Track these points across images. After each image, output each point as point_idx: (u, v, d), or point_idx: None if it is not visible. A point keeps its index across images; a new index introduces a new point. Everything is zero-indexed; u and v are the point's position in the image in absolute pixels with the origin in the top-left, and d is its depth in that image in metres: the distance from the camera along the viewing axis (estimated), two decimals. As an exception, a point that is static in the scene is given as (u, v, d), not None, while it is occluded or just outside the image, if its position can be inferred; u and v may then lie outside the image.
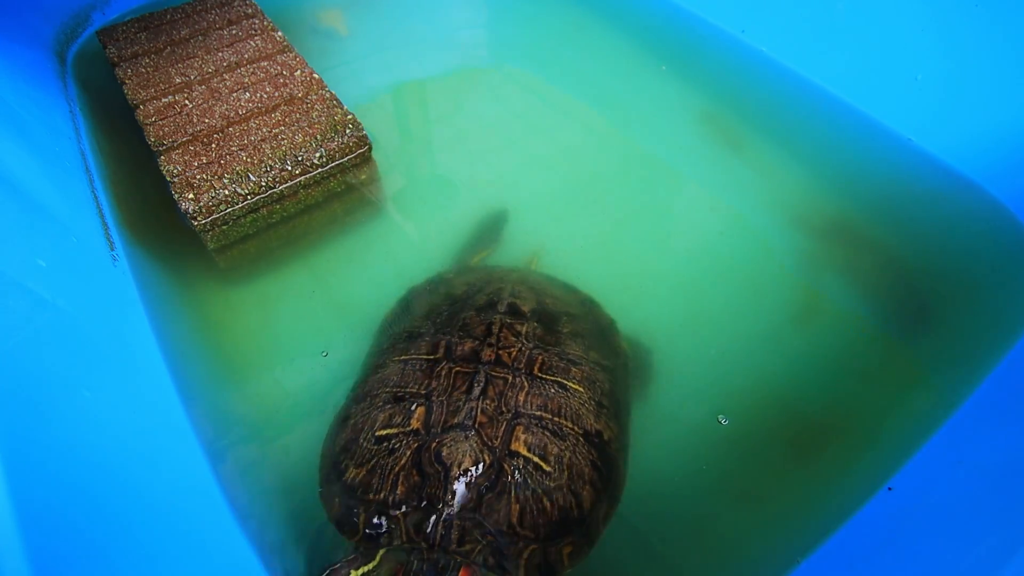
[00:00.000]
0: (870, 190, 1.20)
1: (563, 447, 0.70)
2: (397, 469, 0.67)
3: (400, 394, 0.74)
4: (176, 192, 1.11)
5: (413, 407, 0.72)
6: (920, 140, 1.25)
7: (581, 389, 0.77)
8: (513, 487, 0.66)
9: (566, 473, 0.69)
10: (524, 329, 0.82)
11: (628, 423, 0.82)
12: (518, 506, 0.65)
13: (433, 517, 0.64)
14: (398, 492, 0.66)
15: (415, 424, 0.70)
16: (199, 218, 1.11)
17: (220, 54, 1.40)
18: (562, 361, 0.80)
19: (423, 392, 0.74)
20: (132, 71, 1.36)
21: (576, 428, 0.73)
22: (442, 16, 1.73)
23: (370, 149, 1.26)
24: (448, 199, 1.24)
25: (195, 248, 1.12)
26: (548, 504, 0.66)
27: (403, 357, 0.80)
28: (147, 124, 1.23)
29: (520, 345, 0.79)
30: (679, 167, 1.28)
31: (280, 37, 1.46)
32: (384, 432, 0.71)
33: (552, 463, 0.69)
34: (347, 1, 1.77)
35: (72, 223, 0.99)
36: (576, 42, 1.62)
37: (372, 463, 0.69)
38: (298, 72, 1.36)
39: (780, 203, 1.18)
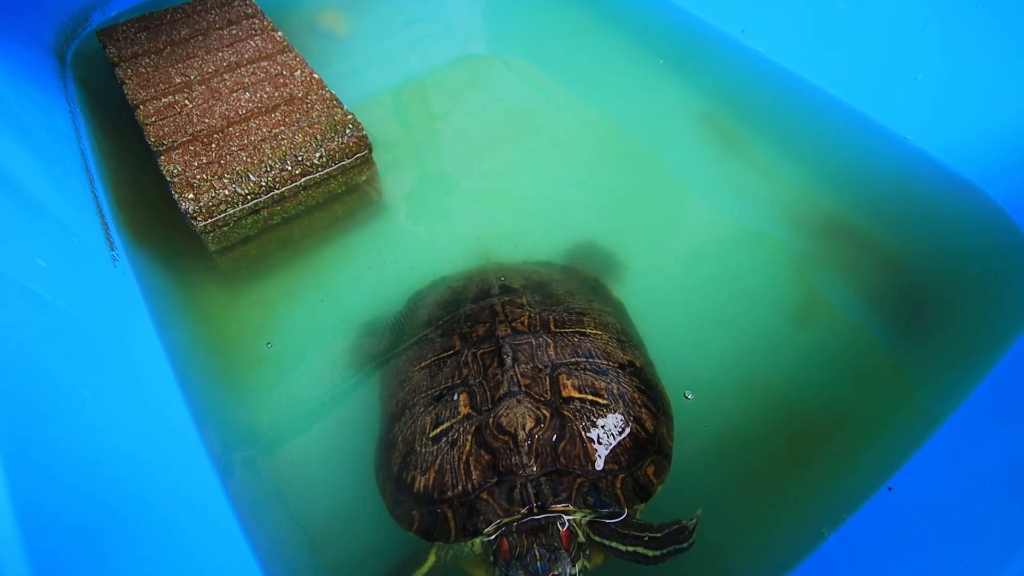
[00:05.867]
0: (868, 191, 1.20)
1: (608, 380, 0.73)
2: (464, 457, 0.67)
3: (437, 393, 0.75)
4: (176, 192, 1.11)
5: (455, 396, 0.72)
6: (918, 140, 1.25)
7: (599, 332, 0.80)
8: (580, 429, 0.68)
9: (621, 401, 0.72)
10: (524, 300, 0.85)
11: (648, 355, 0.85)
12: (593, 443, 0.67)
13: (519, 483, 0.64)
14: (474, 477, 0.66)
15: (464, 410, 0.70)
16: (199, 218, 1.11)
17: (220, 54, 1.40)
18: (571, 315, 0.83)
19: (459, 382, 0.74)
20: (132, 71, 1.36)
21: (611, 363, 0.76)
22: (442, 15, 1.73)
23: (370, 149, 1.26)
24: (449, 198, 1.24)
25: (196, 249, 1.12)
26: (617, 433, 0.69)
27: (424, 363, 0.80)
28: (147, 124, 1.23)
29: (528, 312, 0.81)
30: (678, 166, 1.29)
31: (280, 37, 1.46)
32: (438, 430, 0.70)
33: (605, 396, 0.71)
34: (347, 1, 1.77)
35: (72, 223, 0.99)
36: (576, 42, 1.62)
37: (438, 463, 0.68)
38: (298, 72, 1.36)
39: (778, 203, 1.18)
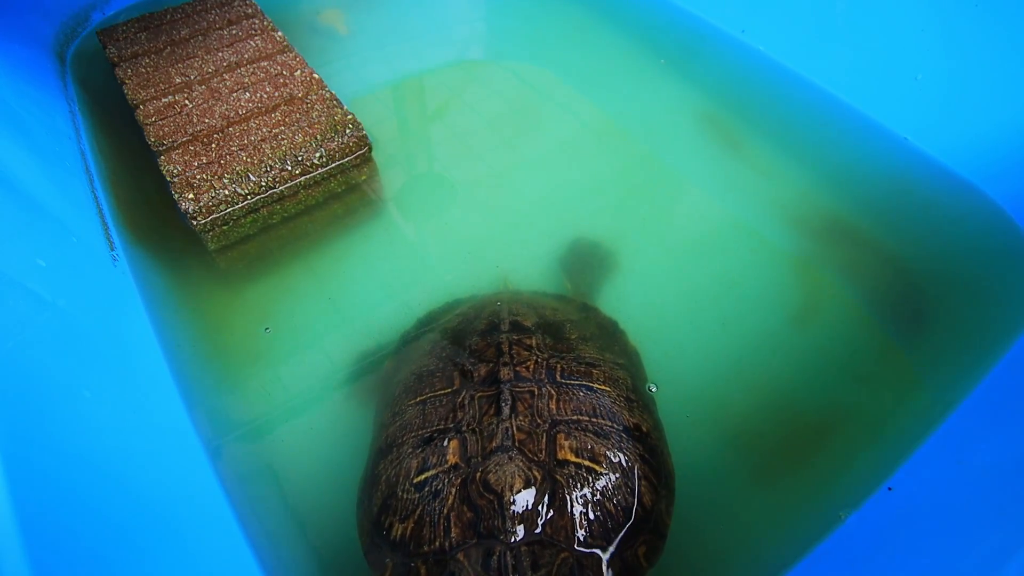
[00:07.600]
0: (868, 191, 1.20)
1: (608, 445, 0.68)
2: (446, 511, 0.63)
3: (428, 435, 0.70)
4: (176, 192, 1.11)
5: (446, 443, 0.68)
6: (918, 141, 1.25)
7: (607, 388, 0.75)
8: (571, 497, 0.63)
9: (619, 471, 0.66)
10: (533, 342, 0.80)
11: (658, 415, 0.81)
12: (583, 515, 0.63)
13: (498, 550, 0.60)
14: (453, 535, 0.61)
15: (453, 459, 0.66)
16: (199, 218, 1.11)
17: (220, 54, 1.40)
18: (580, 365, 0.78)
19: (451, 426, 0.70)
20: (132, 71, 1.36)
21: (615, 425, 0.71)
22: (442, 15, 1.73)
23: (370, 149, 1.26)
24: (448, 198, 1.24)
25: (195, 248, 1.12)
26: (611, 506, 0.64)
27: (419, 398, 0.76)
28: (147, 124, 1.23)
29: (535, 357, 0.77)
30: (678, 166, 1.29)
31: (280, 37, 1.46)
32: (422, 477, 0.66)
33: (603, 463, 0.66)
34: (347, 1, 1.77)
35: (72, 223, 0.99)
36: (576, 42, 1.62)
37: (418, 513, 0.64)
38: (298, 72, 1.36)
39: (778, 203, 1.18)
